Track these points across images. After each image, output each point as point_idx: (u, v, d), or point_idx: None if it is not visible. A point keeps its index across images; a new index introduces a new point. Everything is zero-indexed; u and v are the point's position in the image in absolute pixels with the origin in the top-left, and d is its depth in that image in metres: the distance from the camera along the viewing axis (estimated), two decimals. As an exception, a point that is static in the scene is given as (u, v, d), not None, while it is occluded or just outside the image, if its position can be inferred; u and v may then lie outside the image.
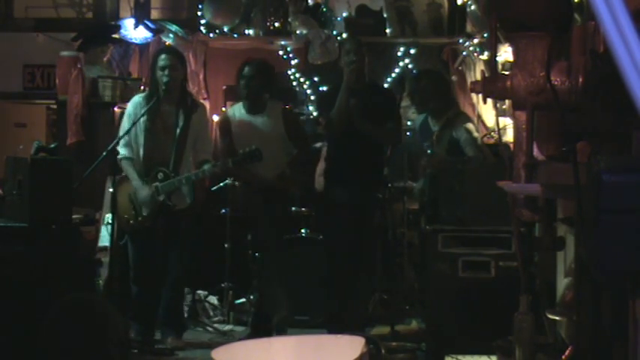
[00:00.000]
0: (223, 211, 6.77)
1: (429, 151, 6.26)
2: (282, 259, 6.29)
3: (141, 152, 5.88)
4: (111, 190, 5.88)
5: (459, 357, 5.22)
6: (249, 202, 6.26)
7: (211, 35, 7.80)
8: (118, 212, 5.83)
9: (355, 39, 6.54)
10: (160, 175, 5.83)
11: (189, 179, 5.86)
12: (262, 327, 6.14)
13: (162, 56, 5.92)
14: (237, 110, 6.30)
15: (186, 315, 6.46)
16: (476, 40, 7.35)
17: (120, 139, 5.75)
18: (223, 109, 7.59)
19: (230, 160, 5.89)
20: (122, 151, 5.84)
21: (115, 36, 7.72)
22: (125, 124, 5.93)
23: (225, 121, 6.32)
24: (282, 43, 7.75)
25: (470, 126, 6.43)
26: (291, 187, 6.43)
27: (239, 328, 6.49)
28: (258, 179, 6.14)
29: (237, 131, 6.20)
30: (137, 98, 6.04)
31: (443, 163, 6.02)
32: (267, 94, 6.20)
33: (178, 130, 5.87)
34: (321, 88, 7.60)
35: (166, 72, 5.84)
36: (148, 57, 7.48)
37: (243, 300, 6.76)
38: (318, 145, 7.05)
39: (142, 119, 5.80)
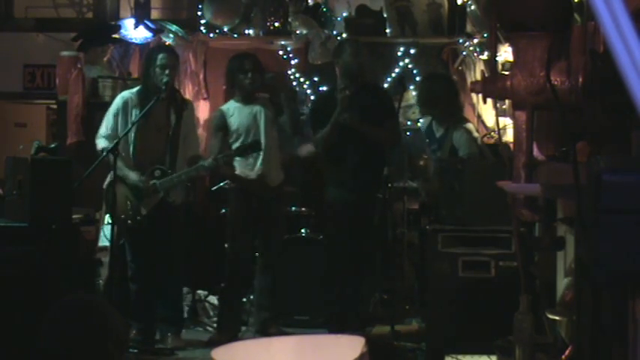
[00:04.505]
0: (223, 211, 6.77)
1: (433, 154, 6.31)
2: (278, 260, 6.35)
3: (130, 149, 5.87)
4: (106, 188, 5.88)
5: (459, 357, 5.22)
6: (248, 204, 6.24)
7: (211, 35, 7.80)
8: (114, 212, 5.84)
9: (355, 40, 6.55)
10: (157, 173, 5.84)
11: (188, 174, 5.89)
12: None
13: (162, 55, 5.93)
14: (230, 104, 6.31)
15: (186, 315, 6.46)
16: (476, 40, 7.35)
17: (120, 139, 5.74)
18: (223, 109, 7.59)
19: (232, 151, 5.95)
20: (103, 143, 5.82)
21: (115, 36, 7.72)
22: (110, 118, 5.90)
23: (220, 116, 6.29)
24: (282, 43, 7.75)
25: (469, 126, 6.44)
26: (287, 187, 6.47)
27: (239, 328, 6.48)
28: (257, 181, 6.16)
29: (234, 124, 6.20)
30: (126, 93, 6.02)
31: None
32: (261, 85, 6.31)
33: (171, 129, 5.89)
34: (320, 88, 7.60)
35: (167, 71, 5.85)
36: (147, 57, 7.49)
37: (243, 300, 6.76)
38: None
39: (132, 116, 5.82)
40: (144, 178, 5.82)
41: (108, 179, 5.81)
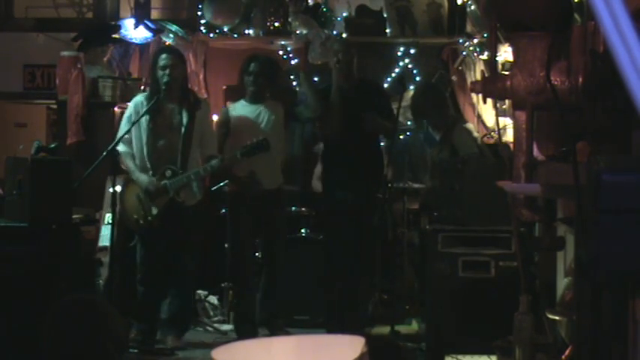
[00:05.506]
0: (223, 211, 6.77)
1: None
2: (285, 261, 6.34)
3: (145, 151, 5.89)
4: (111, 190, 5.89)
5: (459, 357, 5.22)
6: (246, 206, 6.24)
7: (211, 35, 7.80)
8: (127, 213, 5.87)
9: (343, 39, 6.57)
10: (168, 173, 5.86)
11: (197, 174, 5.90)
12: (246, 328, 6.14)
13: (163, 56, 5.97)
14: (238, 104, 6.38)
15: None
16: (476, 40, 7.35)
17: (120, 139, 5.76)
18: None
19: (238, 152, 5.95)
20: (120, 148, 5.85)
21: (115, 36, 7.71)
22: (124, 123, 5.96)
23: (224, 115, 6.37)
24: (282, 43, 7.75)
25: (469, 126, 6.45)
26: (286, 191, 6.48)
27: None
28: (257, 183, 6.14)
29: (235, 121, 6.25)
30: (139, 97, 6.07)
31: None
32: (270, 89, 6.32)
33: (183, 128, 5.90)
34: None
35: (167, 71, 5.87)
36: (148, 57, 7.49)
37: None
38: (316, 148, 7.06)
39: (143, 118, 5.83)
40: (155, 178, 5.84)
41: (122, 181, 5.85)
